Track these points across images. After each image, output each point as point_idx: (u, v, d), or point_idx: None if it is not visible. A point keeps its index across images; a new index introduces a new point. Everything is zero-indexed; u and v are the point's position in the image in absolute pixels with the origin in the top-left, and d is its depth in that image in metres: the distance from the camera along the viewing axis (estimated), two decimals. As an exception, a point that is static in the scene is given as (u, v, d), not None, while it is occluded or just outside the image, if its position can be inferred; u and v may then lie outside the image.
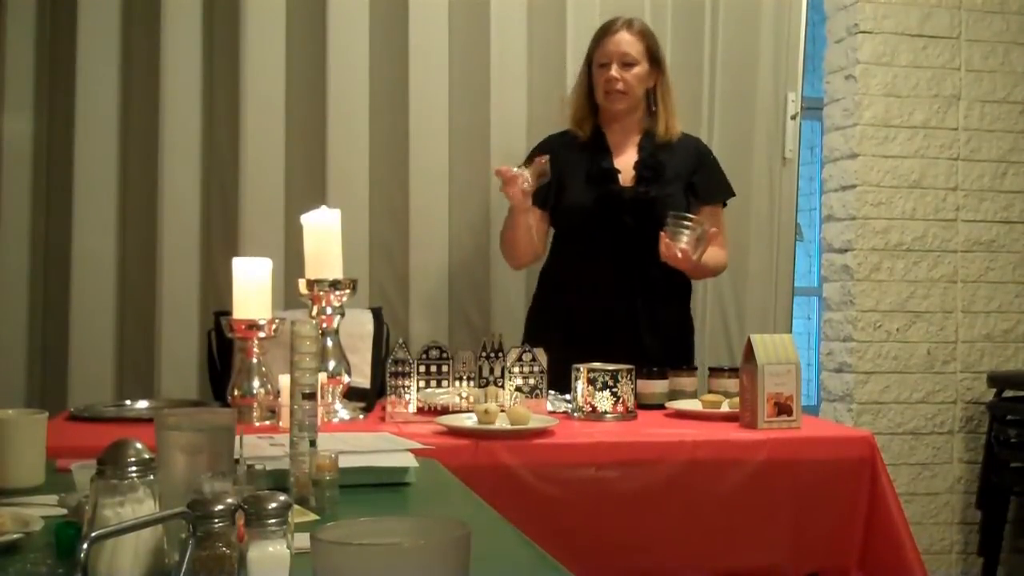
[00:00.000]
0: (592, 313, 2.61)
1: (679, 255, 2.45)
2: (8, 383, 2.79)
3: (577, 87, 2.77)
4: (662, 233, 2.47)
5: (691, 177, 2.70)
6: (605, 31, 2.68)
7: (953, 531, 3.39)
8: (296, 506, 1.16)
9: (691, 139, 2.79)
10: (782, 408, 2.11)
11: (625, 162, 2.68)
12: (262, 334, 2.21)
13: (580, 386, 2.24)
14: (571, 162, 2.63)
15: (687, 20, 3.21)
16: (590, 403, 2.22)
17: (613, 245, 2.62)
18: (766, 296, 3.28)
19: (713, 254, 2.61)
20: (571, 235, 2.69)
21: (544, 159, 2.50)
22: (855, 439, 2.12)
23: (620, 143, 2.70)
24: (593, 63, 2.69)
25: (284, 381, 2.00)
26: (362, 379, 2.44)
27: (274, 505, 0.94)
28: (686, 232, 2.47)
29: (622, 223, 2.61)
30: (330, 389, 2.24)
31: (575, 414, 2.25)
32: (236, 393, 2.20)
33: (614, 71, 2.63)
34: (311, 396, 1.43)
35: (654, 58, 2.68)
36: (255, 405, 2.19)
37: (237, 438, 1.28)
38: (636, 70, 2.65)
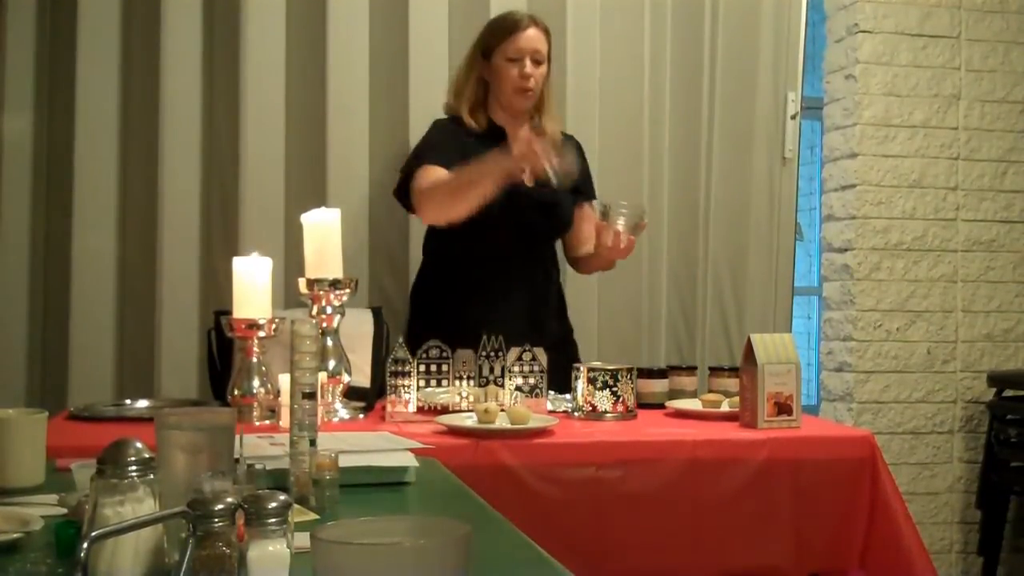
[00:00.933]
0: (486, 310, 2.55)
1: (623, 245, 2.37)
2: (8, 383, 2.78)
3: (471, 77, 2.66)
4: (597, 222, 2.42)
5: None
6: (516, 25, 2.60)
7: (953, 530, 3.39)
8: (296, 505, 1.17)
9: (571, 139, 2.75)
10: (782, 408, 2.11)
11: None
12: (262, 333, 2.21)
13: (580, 385, 2.24)
14: (470, 152, 2.51)
15: (687, 20, 3.21)
16: (590, 402, 2.22)
17: (514, 243, 2.59)
18: (766, 296, 3.28)
19: None
20: (469, 229, 2.50)
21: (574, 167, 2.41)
22: (855, 439, 2.12)
23: (513, 139, 2.60)
24: (497, 56, 2.60)
25: (284, 381, 2.00)
26: (362, 379, 2.44)
27: (274, 504, 0.94)
28: (623, 217, 2.38)
29: (527, 223, 2.58)
30: (330, 389, 2.24)
31: (575, 413, 2.25)
32: (236, 393, 2.20)
33: (529, 67, 2.58)
34: (311, 396, 1.43)
35: (550, 58, 2.66)
36: (255, 405, 2.18)
37: (237, 437, 1.28)
38: (543, 68, 2.62)
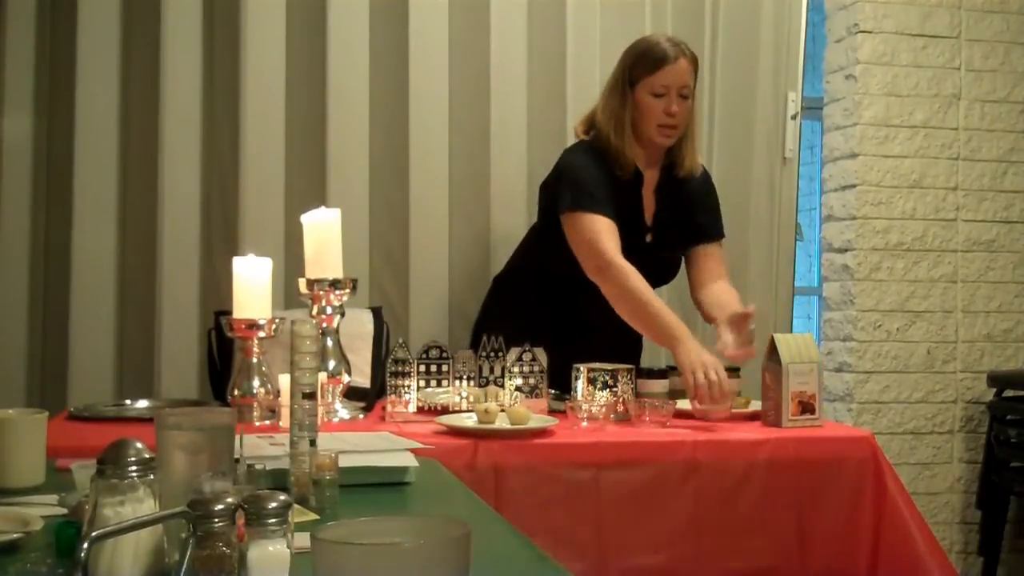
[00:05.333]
0: (574, 334, 2.50)
1: (741, 352, 2.27)
2: (8, 383, 2.79)
3: (618, 112, 2.47)
4: (720, 338, 2.33)
5: (696, 219, 2.60)
6: (664, 58, 2.42)
7: (953, 531, 3.39)
8: (296, 506, 1.16)
9: (704, 176, 2.65)
10: (805, 407, 2.12)
11: (647, 209, 2.56)
12: (262, 334, 2.21)
13: (580, 386, 2.24)
14: (614, 201, 2.44)
15: (687, 20, 3.21)
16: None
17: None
18: (766, 296, 3.28)
19: (726, 290, 2.54)
20: (573, 269, 2.45)
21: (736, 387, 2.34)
22: (855, 439, 2.12)
23: (647, 182, 2.55)
24: (641, 89, 2.44)
25: (284, 381, 2.00)
26: (362, 379, 2.45)
27: (274, 505, 0.94)
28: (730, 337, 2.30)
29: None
30: (330, 389, 2.24)
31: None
32: (236, 393, 2.20)
33: (675, 104, 2.42)
34: (311, 396, 1.43)
35: (695, 86, 2.50)
36: (255, 405, 2.18)
37: (237, 438, 1.28)
38: (689, 102, 2.46)
